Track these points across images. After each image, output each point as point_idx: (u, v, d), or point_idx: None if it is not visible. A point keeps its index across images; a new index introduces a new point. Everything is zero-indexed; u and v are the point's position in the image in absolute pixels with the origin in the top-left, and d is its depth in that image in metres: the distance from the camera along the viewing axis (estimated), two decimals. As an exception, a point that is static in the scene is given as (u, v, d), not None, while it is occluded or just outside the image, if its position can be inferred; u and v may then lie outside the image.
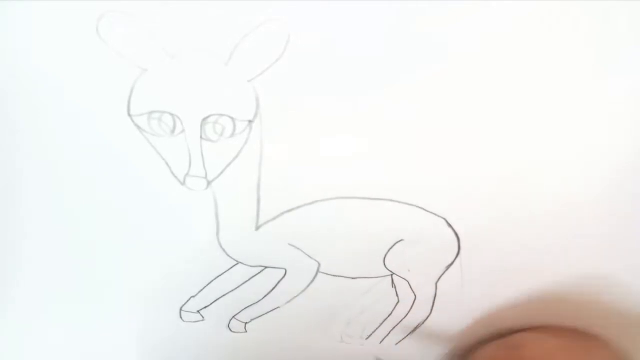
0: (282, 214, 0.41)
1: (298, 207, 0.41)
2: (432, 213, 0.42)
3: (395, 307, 0.48)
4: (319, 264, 0.44)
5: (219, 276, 0.44)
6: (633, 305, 0.49)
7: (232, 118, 0.37)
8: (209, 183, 0.39)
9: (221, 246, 0.42)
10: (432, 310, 0.48)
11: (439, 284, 0.46)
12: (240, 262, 0.43)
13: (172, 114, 0.36)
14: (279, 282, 0.45)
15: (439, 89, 0.36)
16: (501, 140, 0.39)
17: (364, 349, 0.51)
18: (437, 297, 0.47)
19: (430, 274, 0.46)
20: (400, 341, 0.50)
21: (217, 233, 0.41)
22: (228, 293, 0.45)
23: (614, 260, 0.46)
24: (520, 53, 0.35)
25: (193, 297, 0.45)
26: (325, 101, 0.36)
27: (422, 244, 0.43)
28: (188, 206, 0.40)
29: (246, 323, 0.48)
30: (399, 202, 0.41)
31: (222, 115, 0.36)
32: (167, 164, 0.38)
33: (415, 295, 0.47)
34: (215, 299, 0.46)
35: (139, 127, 0.36)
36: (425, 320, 0.49)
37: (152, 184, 0.39)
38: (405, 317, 0.48)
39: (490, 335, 0.50)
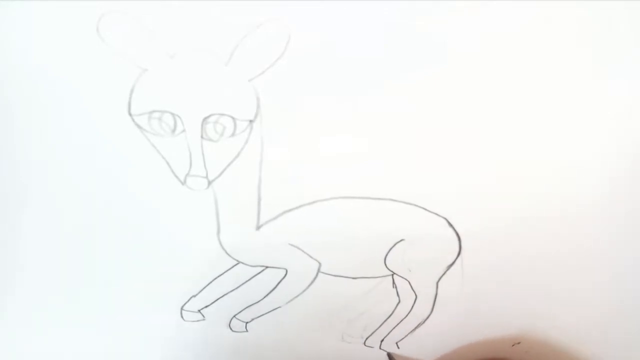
0: (283, 213, 0.41)
1: (298, 207, 0.41)
2: (433, 213, 0.42)
3: (396, 307, 0.48)
4: (320, 264, 0.44)
5: (219, 276, 0.44)
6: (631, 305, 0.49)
7: (232, 118, 0.37)
8: (210, 182, 0.39)
9: (222, 246, 0.42)
10: (432, 309, 0.48)
11: (439, 284, 0.46)
12: (241, 262, 0.43)
13: (172, 114, 0.36)
14: (279, 282, 0.45)
15: (439, 89, 0.36)
16: (501, 141, 0.39)
17: (364, 348, 0.51)
18: (437, 297, 0.47)
19: (431, 273, 0.46)
20: (401, 340, 0.50)
21: (218, 233, 0.41)
22: (229, 292, 0.45)
23: (615, 260, 0.46)
24: (520, 53, 0.35)
25: (194, 296, 0.45)
26: (325, 101, 0.36)
27: (422, 243, 0.43)
28: (189, 206, 0.40)
29: (247, 322, 0.48)
30: (400, 201, 0.41)
31: (222, 114, 0.36)
32: (167, 163, 0.38)
33: (416, 295, 0.47)
34: (216, 299, 0.46)
35: (139, 127, 0.36)
36: (425, 320, 0.49)
37: (153, 183, 0.39)
38: (406, 316, 0.48)
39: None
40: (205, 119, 0.36)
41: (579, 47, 0.35)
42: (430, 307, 0.48)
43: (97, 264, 0.42)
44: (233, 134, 0.37)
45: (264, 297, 0.46)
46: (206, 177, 0.39)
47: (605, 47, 0.35)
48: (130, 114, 0.36)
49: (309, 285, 0.45)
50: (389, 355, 0.51)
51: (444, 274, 0.45)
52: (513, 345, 0.52)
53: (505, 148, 0.39)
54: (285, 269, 0.44)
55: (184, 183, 0.39)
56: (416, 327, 0.49)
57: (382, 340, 0.51)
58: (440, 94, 0.36)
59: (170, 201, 0.40)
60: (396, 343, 0.51)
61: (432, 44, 0.35)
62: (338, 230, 0.42)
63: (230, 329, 0.48)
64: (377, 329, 0.50)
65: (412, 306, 0.48)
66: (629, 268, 0.46)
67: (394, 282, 0.46)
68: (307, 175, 0.39)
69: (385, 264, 0.44)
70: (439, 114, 0.37)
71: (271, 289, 0.45)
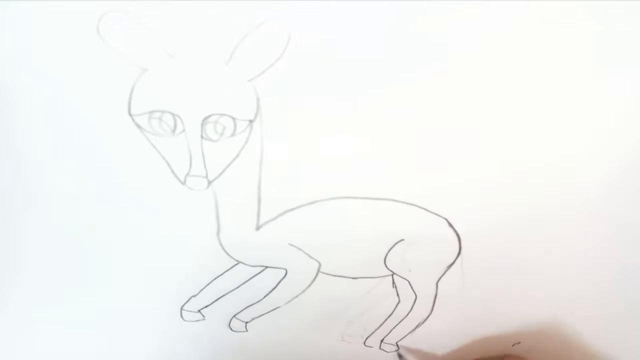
0: (283, 213, 0.41)
1: (298, 207, 0.41)
2: (433, 213, 0.42)
3: (396, 307, 0.48)
4: (320, 264, 0.44)
5: (219, 275, 0.44)
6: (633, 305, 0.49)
7: (232, 117, 0.36)
8: (210, 182, 0.39)
9: (222, 246, 0.42)
10: (432, 309, 0.48)
11: (439, 284, 0.46)
12: (241, 262, 0.43)
13: (172, 114, 0.36)
14: (279, 282, 0.45)
15: (439, 89, 0.36)
16: (502, 141, 0.39)
17: (364, 348, 0.51)
18: (437, 297, 0.47)
19: (431, 273, 0.46)
20: (401, 339, 0.50)
21: (218, 233, 0.41)
22: (229, 292, 0.45)
23: (616, 259, 0.46)
24: (520, 53, 0.35)
25: (194, 296, 0.45)
26: (325, 101, 0.36)
27: (422, 243, 0.43)
28: (189, 206, 0.40)
29: (247, 322, 0.48)
30: (400, 202, 0.41)
31: (222, 114, 0.36)
32: (167, 163, 0.38)
33: (415, 295, 0.47)
34: (216, 298, 0.46)
35: (139, 127, 0.36)
36: (425, 320, 0.49)
37: (153, 183, 0.39)
38: (406, 316, 0.48)
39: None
40: (205, 119, 0.36)
41: (579, 47, 0.35)
42: (430, 307, 0.48)
43: (97, 264, 0.42)
44: (233, 134, 0.37)
45: (264, 297, 0.46)
46: (206, 177, 0.39)
47: (605, 47, 0.35)
48: (130, 114, 0.36)
49: (309, 285, 0.45)
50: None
51: (444, 274, 0.45)
52: (513, 345, 0.52)
53: (505, 148, 0.39)
54: (285, 269, 0.44)
55: (184, 183, 0.39)
56: (416, 327, 0.49)
57: (382, 340, 0.51)
58: (441, 94, 0.36)
59: (170, 201, 0.40)
60: (396, 343, 0.51)
61: (432, 44, 0.35)
62: (338, 230, 0.42)
63: (230, 329, 0.48)
64: (377, 329, 0.50)
65: (412, 306, 0.48)
66: (629, 268, 0.46)
67: (393, 282, 0.46)
68: (307, 175, 0.39)
69: (385, 264, 0.44)
70: (439, 114, 0.37)
71: (271, 289, 0.45)
